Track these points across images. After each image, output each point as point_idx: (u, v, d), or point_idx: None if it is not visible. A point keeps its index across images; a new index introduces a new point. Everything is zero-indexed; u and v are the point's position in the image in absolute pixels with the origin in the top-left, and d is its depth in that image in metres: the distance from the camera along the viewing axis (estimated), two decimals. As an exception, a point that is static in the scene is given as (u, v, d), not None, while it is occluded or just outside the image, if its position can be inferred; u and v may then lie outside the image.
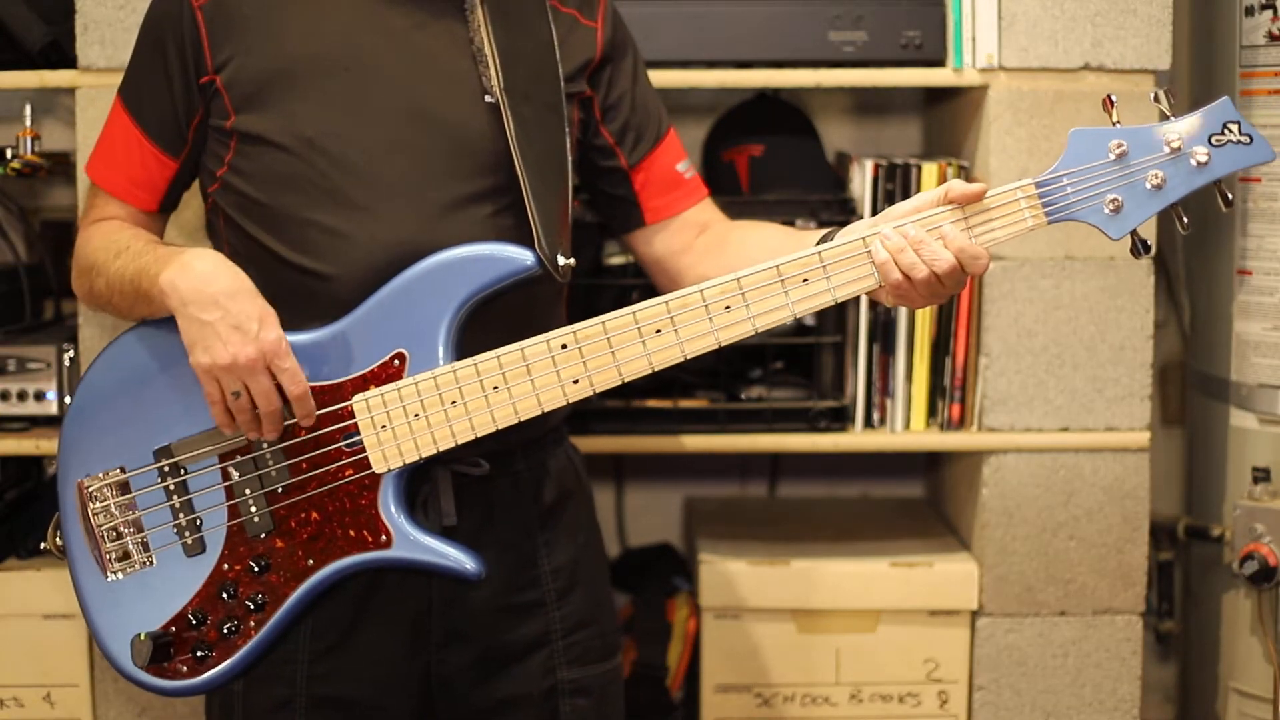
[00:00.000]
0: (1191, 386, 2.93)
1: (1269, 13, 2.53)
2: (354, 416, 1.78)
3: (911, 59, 2.50)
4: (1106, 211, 1.66)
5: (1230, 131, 1.64)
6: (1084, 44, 2.46)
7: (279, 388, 1.76)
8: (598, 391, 1.76)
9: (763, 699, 2.58)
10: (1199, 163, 1.64)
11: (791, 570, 2.57)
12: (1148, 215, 1.66)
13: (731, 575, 2.58)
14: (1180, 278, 2.95)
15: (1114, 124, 1.67)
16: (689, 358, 1.74)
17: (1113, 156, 1.66)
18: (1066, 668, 2.56)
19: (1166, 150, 1.65)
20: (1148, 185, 1.65)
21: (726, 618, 2.58)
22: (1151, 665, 2.99)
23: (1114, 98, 1.68)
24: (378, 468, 1.78)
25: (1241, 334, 2.64)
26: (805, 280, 1.71)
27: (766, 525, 2.83)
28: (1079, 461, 2.53)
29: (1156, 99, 1.67)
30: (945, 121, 2.80)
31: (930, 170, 2.51)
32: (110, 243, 1.86)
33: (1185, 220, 1.69)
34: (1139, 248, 1.69)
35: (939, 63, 2.51)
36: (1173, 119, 1.66)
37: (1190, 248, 2.91)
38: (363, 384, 1.78)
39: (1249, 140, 1.64)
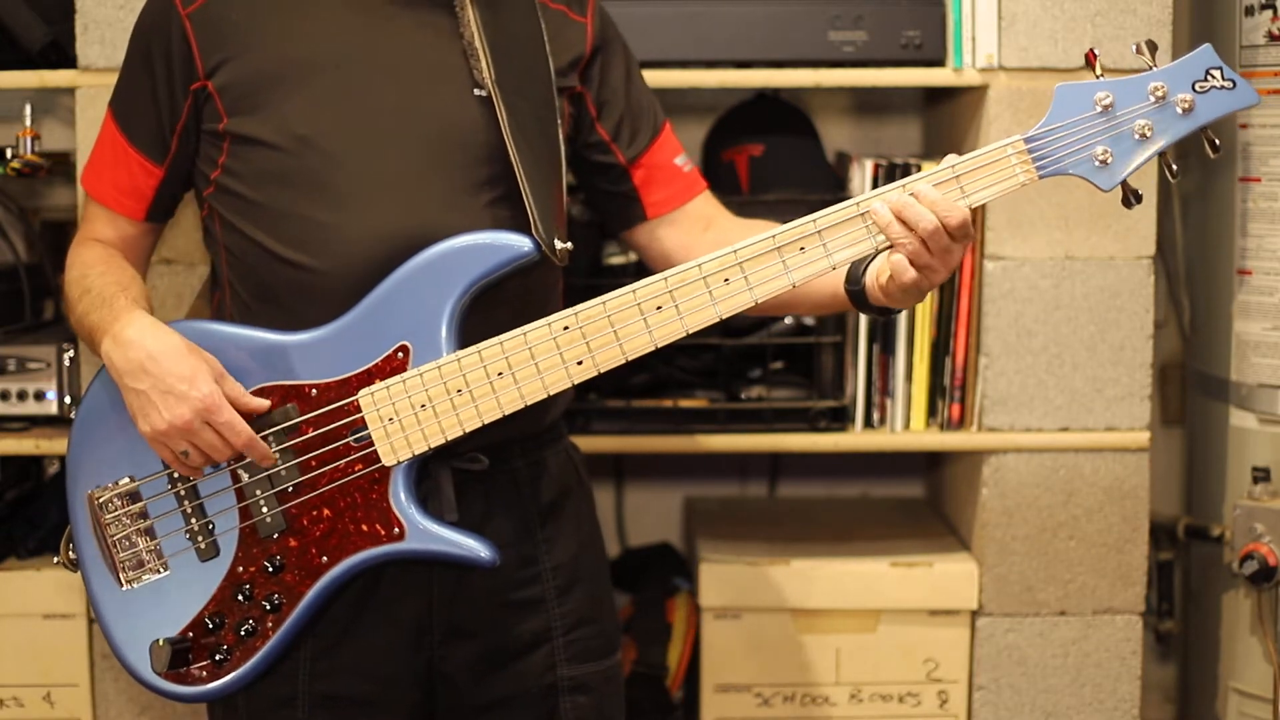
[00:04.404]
0: (1191, 386, 2.93)
1: (1269, 13, 2.53)
2: (361, 411, 1.78)
3: (911, 59, 2.50)
4: (1096, 164, 1.67)
5: (1213, 77, 1.65)
6: (1084, 44, 2.46)
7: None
8: (602, 371, 1.75)
9: (763, 699, 2.58)
10: (1184, 109, 1.65)
11: (791, 570, 2.57)
12: (1137, 165, 1.67)
13: (731, 575, 2.58)
14: (1180, 278, 2.95)
15: (1098, 77, 1.68)
16: (691, 332, 1.74)
17: (1099, 108, 1.66)
18: (1066, 667, 2.56)
19: (1151, 99, 1.66)
20: (1135, 135, 1.66)
21: (726, 618, 2.58)
22: (1151, 665, 2.99)
23: (1097, 51, 1.69)
24: (387, 461, 1.78)
25: (1241, 334, 2.64)
26: (802, 248, 1.71)
27: (766, 525, 2.83)
28: (1079, 461, 2.53)
29: (1139, 50, 1.68)
30: (945, 121, 2.80)
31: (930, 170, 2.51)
32: (81, 277, 1.88)
33: (1174, 168, 1.70)
34: (1130, 198, 1.70)
35: (939, 63, 2.51)
36: (1156, 68, 1.67)
37: (1190, 248, 2.91)
38: (368, 378, 1.78)
39: (1232, 85, 1.65)
